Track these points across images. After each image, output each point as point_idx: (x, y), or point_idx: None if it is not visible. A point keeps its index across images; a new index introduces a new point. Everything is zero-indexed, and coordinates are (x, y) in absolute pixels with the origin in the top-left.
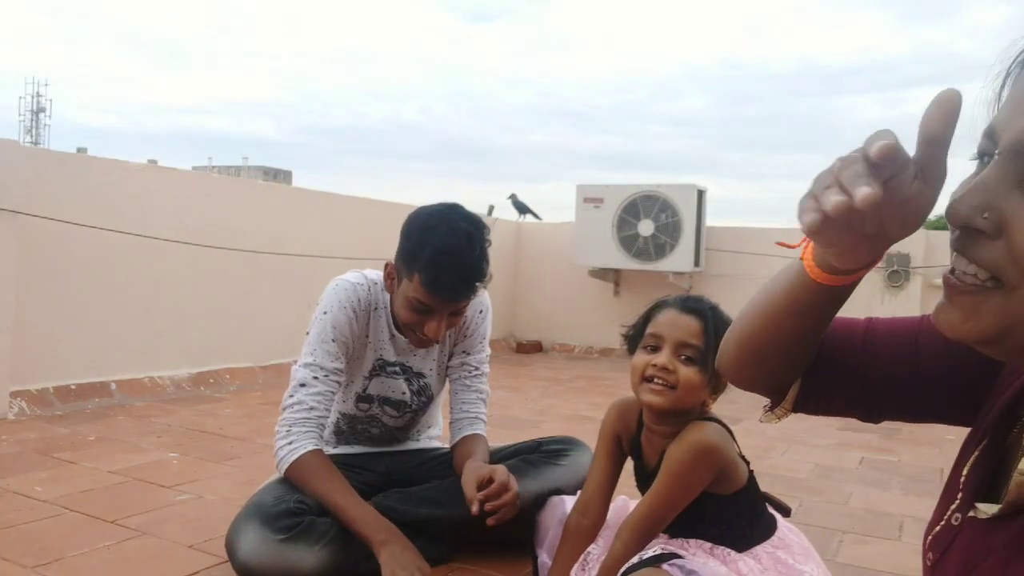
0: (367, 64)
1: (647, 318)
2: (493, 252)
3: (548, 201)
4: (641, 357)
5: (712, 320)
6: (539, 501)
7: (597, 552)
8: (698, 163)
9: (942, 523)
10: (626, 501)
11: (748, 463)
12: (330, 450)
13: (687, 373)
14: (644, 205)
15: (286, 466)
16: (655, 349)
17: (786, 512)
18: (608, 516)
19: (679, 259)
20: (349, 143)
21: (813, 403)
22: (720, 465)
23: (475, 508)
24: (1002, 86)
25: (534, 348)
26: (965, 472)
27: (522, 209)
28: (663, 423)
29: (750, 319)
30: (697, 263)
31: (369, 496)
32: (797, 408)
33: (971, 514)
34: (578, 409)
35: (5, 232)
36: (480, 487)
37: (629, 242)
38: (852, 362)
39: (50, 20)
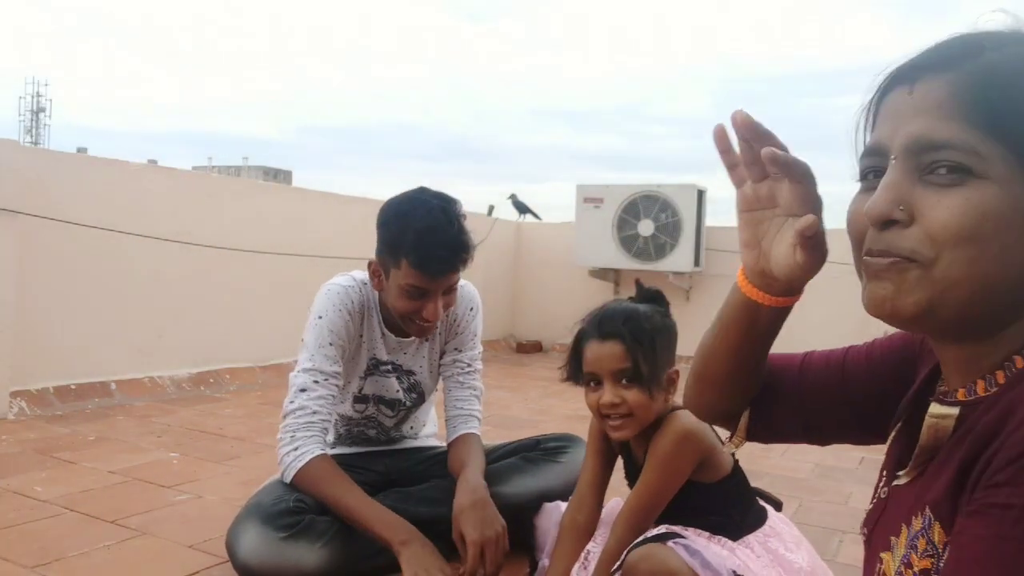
0: (367, 64)
1: (577, 353)
2: (493, 252)
3: (548, 201)
4: (590, 396)
5: (630, 334)
6: (538, 499)
7: (596, 550)
8: (698, 163)
9: (873, 500)
10: (619, 502)
11: (734, 456)
12: (329, 452)
13: (634, 397)
14: (644, 205)
15: (293, 472)
16: (597, 384)
17: (778, 506)
18: (603, 515)
19: (679, 259)
20: (349, 143)
21: (763, 430)
22: (703, 448)
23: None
24: (875, 112)
25: (534, 348)
26: (886, 449)
27: (522, 209)
28: (643, 433)
29: (702, 340)
30: (697, 263)
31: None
32: (751, 436)
33: (894, 483)
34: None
35: (5, 232)
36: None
37: (629, 242)
38: (791, 390)
39: (50, 20)
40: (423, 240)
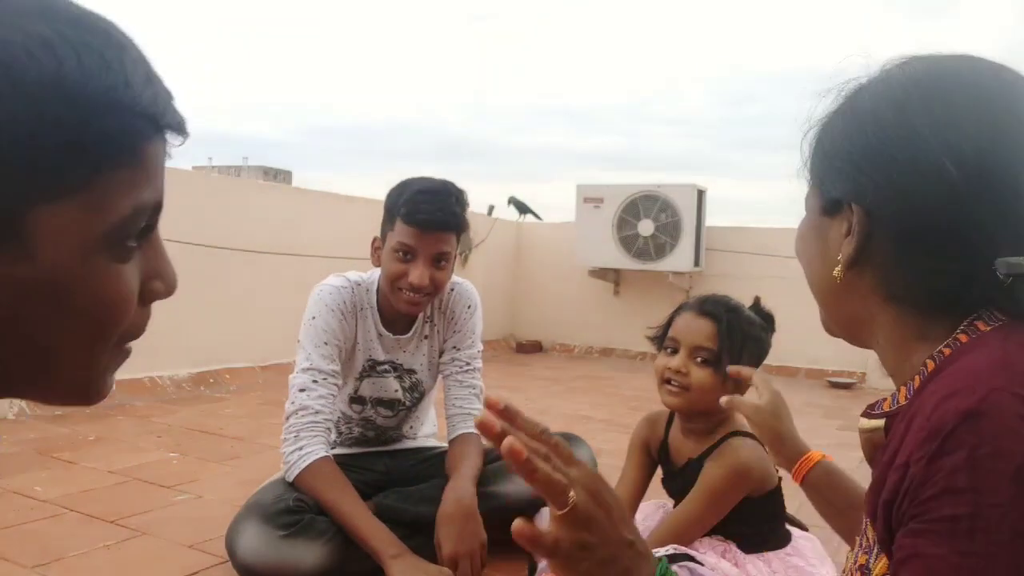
0: (367, 64)
1: (670, 320)
2: (493, 252)
3: (548, 201)
4: (660, 360)
5: (727, 322)
6: (537, 499)
7: None
8: (698, 163)
9: None
10: (652, 506)
11: (778, 472)
12: (331, 453)
13: (700, 375)
14: (644, 205)
15: (297, 472)
16: (673, 352)
17: (803, 529)
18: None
19: (679, 259)
20: (349, 143)
21: None
22: (754, 484)
23: None
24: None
25: (534, 348)
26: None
27: (522, 209)
28: (691, 421)
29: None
30: (697, 263)
31: (369, 496)
32: None
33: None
34: (578, 409)
35: None
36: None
37: (629, 242)
38: None
39: None
40: (417, 197)
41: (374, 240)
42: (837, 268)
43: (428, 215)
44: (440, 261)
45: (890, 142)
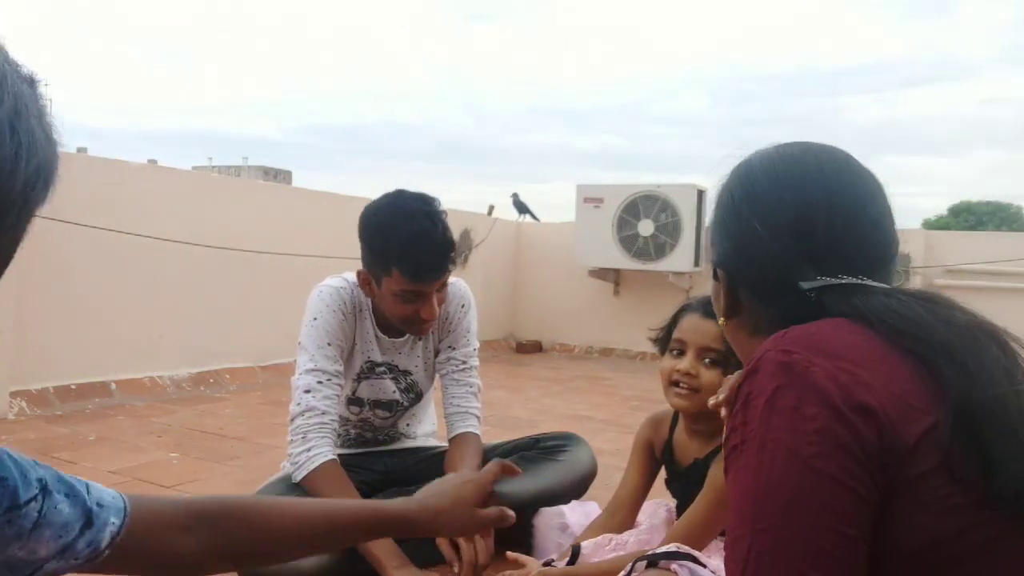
0: (367, 64)
1: (674, 322)
2: (493, 252)
3: (548, 201)
4: (667, 362)
5: None
6: (536, 499)
7: (621, 539)
8: (698, 163)
9: None
10: (655, 504)
11: None
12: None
13: (710, 376)
14: (644, 205)
15: (304, 474)
16: (680, 354)
17: None
18: (640, 518)
19: (679, 259)
20: (349, 143)
21: None
22: None
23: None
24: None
25: (534, 348)
26: None
27: (522, 209)
28: (698, 423)
29: None
30: (697, 263)
31: (369, 496)
32: None
33: None
34: (578, 409)
35: None
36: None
37: (629, 242)
38: None
39: (50, 19)
40: (411, 249)
41: (360, 274)
42: (721, 319)
43: (430, 268)
44: (442, 289)
45: (727, 219)
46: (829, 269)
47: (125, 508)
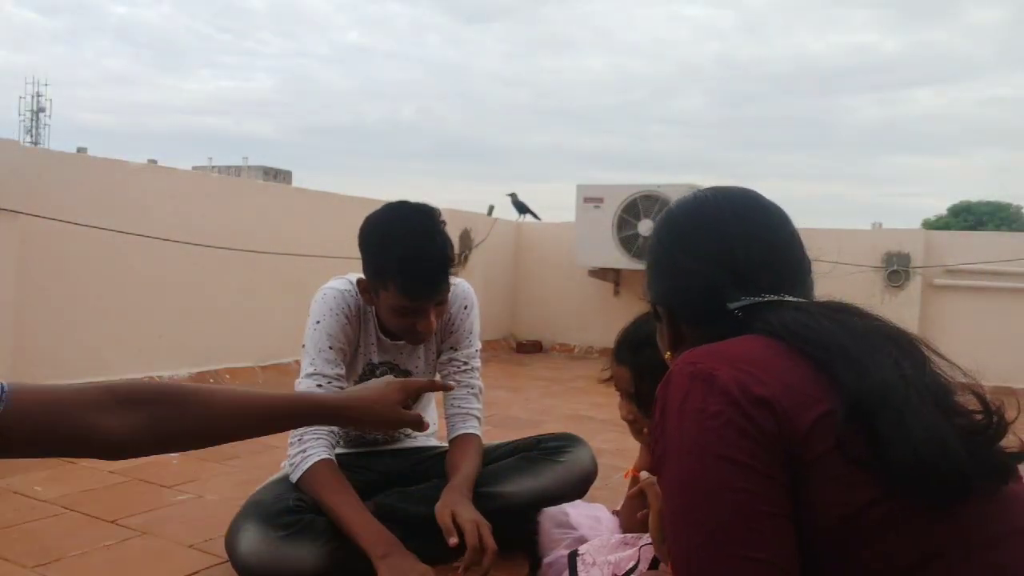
0: (367, 64)
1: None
2: (493, 252)
3: (548, 201)
4: (619, 405)
5: (635, 364)
6: (538, 499)
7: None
8: (698, 163)
9: None
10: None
11: None
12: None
13: (647, 419)
14: (644, 205)
15: (299, 474)
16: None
17: None
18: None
19: None
20: (349, 143)
21: None
22: None
23: (453, 541)
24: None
25: (534, 348)
26: None
27: (522, 209)
28: None
29: None
30: None
31: (369, 496)
32: None
33: None
34: (578, 409)
35: (5, 232)
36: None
37: (629, 242)
38: None
39: (50, 19)
40: (407, 265)
41: (360, 282)
42: (667, 353)
43: (427, 286)
44: (441, 304)
45: (661, 260)
46: (753, 290)
47: (2, 392)
